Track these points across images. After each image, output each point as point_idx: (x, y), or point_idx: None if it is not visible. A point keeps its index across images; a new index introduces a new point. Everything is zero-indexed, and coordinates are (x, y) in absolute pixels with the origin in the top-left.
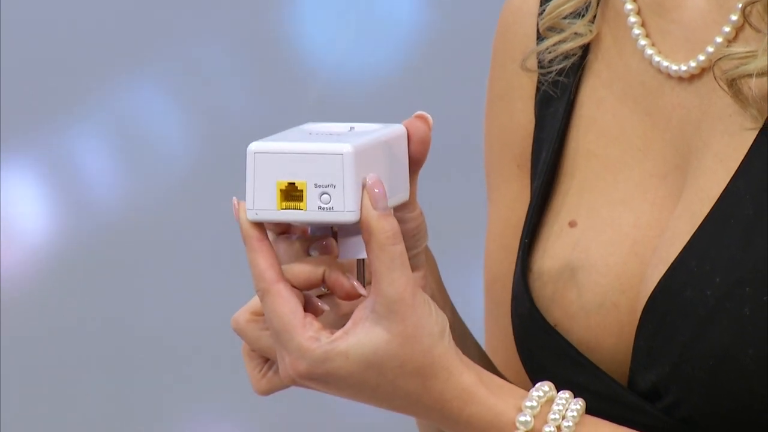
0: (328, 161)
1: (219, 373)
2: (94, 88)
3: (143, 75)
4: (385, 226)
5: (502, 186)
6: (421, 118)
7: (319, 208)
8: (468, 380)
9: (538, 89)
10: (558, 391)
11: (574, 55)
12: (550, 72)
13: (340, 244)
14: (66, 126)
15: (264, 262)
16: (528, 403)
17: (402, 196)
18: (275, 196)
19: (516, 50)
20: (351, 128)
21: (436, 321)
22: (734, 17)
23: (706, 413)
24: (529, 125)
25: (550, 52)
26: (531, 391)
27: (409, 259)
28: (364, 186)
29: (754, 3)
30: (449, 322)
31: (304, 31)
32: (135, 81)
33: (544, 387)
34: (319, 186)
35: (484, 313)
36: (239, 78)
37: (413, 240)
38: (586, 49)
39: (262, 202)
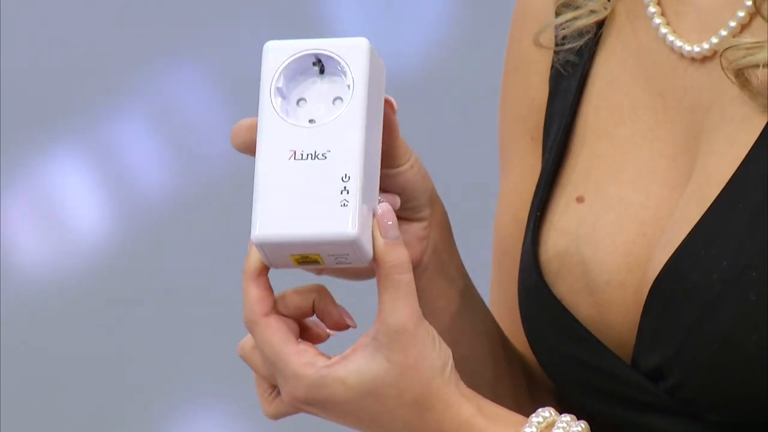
0: (337, 245)
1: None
2: (133, 74)
3: (182, 62)
4: (392, 256)
5: (515, 158)
6: (388, 103)
7: (337, 263)
8: (467, 412)
9: (553, 63)
10: (561, 415)
11: (588, 32)
12: (565, 49)
13: None
14: (107, 114)
15: (256, 295)
16: (527, 430)
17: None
18: (291, 262)
19: (533, 25)
20: (315, 65)
21: (438, 354)
22: (749, 2)
23: (708, 397)
24: (543, 98)
25: (564, 29)
26: (531, 416)
27: (410, 210)
28: (374, 215)
29: None
30: (456, 279)
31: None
32: (174, 67)
33: (545, 413)
34: (333, 255)
35: (491, 282)
36: None
37: (411, 191)
38: (600, 26)
39: (279, 264)
